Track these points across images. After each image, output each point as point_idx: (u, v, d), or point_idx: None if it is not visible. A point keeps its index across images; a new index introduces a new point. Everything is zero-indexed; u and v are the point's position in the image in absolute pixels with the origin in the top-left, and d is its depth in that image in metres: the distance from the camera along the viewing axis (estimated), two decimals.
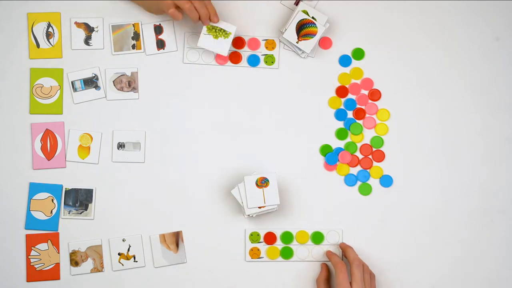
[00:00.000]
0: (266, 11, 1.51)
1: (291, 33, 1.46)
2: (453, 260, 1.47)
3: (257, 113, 1.49)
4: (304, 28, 1.46)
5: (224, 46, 1.43)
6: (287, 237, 1.47)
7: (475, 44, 1.51)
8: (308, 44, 1.47)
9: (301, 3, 1.48)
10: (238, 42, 1.50)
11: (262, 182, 1.40)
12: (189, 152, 1.48)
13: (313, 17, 1.47)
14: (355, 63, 1.50)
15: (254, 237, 1.46)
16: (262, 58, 1.50)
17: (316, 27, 1.46)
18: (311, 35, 1.46)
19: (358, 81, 1.50)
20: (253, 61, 1.49)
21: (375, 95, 1.50)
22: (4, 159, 1.46)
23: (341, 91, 1.50)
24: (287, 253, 1.47)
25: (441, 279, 1.47)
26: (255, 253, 1.46)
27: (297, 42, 1.47)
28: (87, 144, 1.47)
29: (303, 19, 1.46)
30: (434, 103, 1.50)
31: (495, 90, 1.50)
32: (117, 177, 1.46)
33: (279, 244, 1.47)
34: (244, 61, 1.50)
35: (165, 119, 1.48)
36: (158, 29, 1.50)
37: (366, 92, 1.50)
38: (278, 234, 1.47)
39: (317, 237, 1.47)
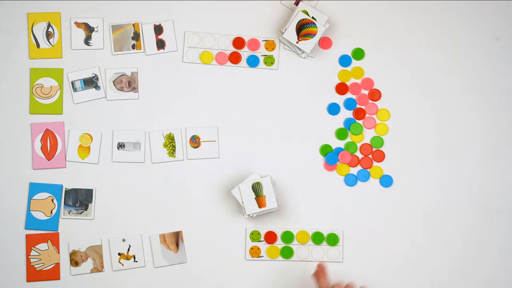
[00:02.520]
0: (266, 11, 1.51)
1: (291, 33, 1.46)
2: (453, 260, 1.47)
3: (257, 113, 1.49)
4: (304, 28, 1.46)
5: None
6: (288, 236, 1.47)
7: (475, 44, 1.50)
8: (308, 44, 1.47)
9: (301, 3, 1.48)
10: (237, 42, 1.50)
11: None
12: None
13: (313, 17, 1.47)
14: (355, 63, 1.50)
15: (254, 235, 1.46)
16: (261, 59, 1.50)
17: (316, 27, 1.46)
18: (311, 35, 1.46)
19: (359, 81, 1.50)
20: (253, 61, 1.49)
21: (375, 95, 1.50)
22: (4, 159, 1.46)
23: (341, 88, 1.50)
24: (287, 253, 1.47)
25: (441, 279, 1.46)
26: (255, 252, 1.46)
27: (297, 42, 1.47)
28: (87, 144, 1.47)
29: (303, 19, 1.46)
30: (434, 103, 1.50)
31: (495, 90, 1.50)
32: (117, 177, 1.47)
33: (279, 244, 1.47)
34: (243, 62, 1.50)
35: (165, 119, 1.48)
36: (158, 29, 1.50)
37: (366, 92, 1.50)
38: (278, 234, 1.47)
39: (318, 237, 1.47)
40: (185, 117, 1.48)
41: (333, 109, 1.50)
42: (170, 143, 1.47)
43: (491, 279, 1.46)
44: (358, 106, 1.50)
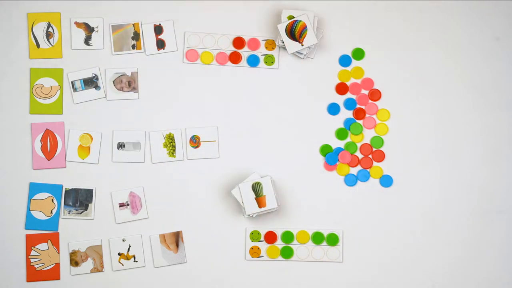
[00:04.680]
0: (266, 11, 1.51)
1: (291, 44, 1.46)
2: (453, 260, 1.47)
3: (257, 113, 1.49)
4: (294, 30, 1.46)
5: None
6: (288, 236, 1.47)
7: (475, 44, 1.50)
8: (310, 38, 1.46)
9: (283, 10, 1.47)
10: (238, 42, 1.50)
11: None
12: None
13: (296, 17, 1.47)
14: (355, 63, 1.50)
15: (254, 235, 1.46)
16: (262, 58, 1.50)
17: (301, 20, 1.46)
18: (304, 29, 1.46)
19: (359, 81, 1.50)
20: (253, 61, 1.49)
21: (375, 95, 1.50)
22: (4, 159, 1.46)
23: (341, 88, 1.50)
24: (287, 253, 1.47)
25: (441, 279, 1.46)
26: (255, 252, 1.46)
27: (302, 45, 1.46)
28: (87, 144, 1.47)
29: (287, 24, 1.46)
30: (434, 103, 1.49)
31: (495, 90, 1.50)
32: (117, 177, 1.46)
33: (279, 244, 1.47)
34: (244, 61, 1.50)
35: (165, 119, 1.48)
36: (158, 29, 1.50)
37: (366, 92, 1.50)
38: (278, 234, 1.47)
39: (318, 237, 1.47)
40: (185, 117, 1.48)
41: (333, 109, 1.50)
42: (170, 143, 1.47)
43: (491, 279, 1.46)
44: (358, 106, 1.50)
